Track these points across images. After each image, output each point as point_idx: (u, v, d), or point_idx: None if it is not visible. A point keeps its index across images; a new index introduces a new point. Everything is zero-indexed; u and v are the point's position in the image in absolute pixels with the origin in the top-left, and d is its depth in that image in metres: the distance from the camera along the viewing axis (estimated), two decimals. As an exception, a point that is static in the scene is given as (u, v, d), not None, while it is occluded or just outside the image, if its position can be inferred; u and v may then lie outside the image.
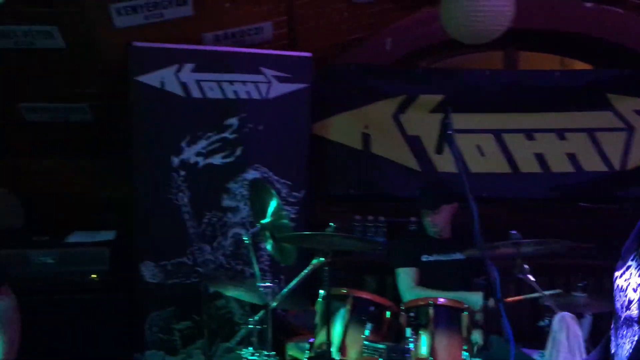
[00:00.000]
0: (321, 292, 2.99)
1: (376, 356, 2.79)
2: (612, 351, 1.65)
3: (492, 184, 4.29)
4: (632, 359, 1.54)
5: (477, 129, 4.31)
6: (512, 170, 4.34)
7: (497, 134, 4.33)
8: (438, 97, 4.29)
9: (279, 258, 3.18)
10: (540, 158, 4.34)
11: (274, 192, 3.13)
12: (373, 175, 4.37)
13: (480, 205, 2.41)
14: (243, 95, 3.86)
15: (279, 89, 3.90)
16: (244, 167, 3.86)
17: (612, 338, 1.67)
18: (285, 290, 2.92)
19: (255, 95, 3.87)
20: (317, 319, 2.99)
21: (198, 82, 3.77)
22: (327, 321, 2.73)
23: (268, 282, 2.88)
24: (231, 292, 3.24)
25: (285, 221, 3.09)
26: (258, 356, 2.77)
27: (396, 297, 3.46)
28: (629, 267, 1.63)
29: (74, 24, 3.36)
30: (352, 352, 2.85)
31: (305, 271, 2.90)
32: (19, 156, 4.09)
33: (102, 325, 3.51)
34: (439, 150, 2.60)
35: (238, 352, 2.99)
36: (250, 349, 2.84)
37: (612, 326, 1.69)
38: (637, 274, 1.59)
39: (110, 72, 3.78)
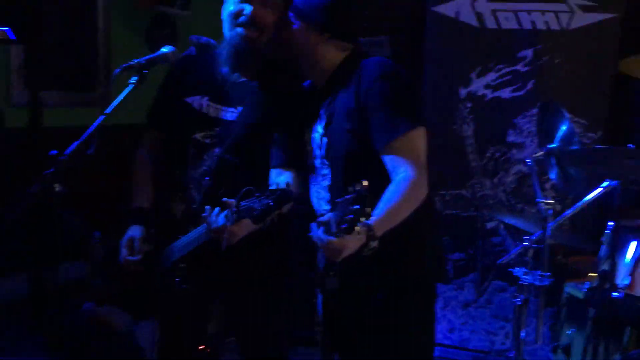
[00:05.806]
0: (610, 223, 2.71)
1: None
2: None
3: None
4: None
5: None
6: None
7: None
8: None
9: (565, 187, 2.96)
10: None
11: (566, 114, 2.91)
12: (690, 123, 3.78)
13: None
14: (540, 26, 3.67)
15: (583, 19, 3.61)
16: (534, 102, 3.67)
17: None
18: (568, 212, 2.71)
19: (554, 26, 3.65)
20: (603, 251, 2.71)
21: (494, 11, 3.70)
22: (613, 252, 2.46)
23: (549, 199, 2.70)
24: (508, 219, 3.14)
25: (577, 148, 2.85)
26: (532, 276, 2.62)
27: None
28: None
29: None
30: (643, 289, 2.53)
31: (593, 194, 2.64)
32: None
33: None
34: None
35: (510, 269, 2.88)
36: (524, 268, 2.71)
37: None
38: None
39: (409, 4, 3.95)
